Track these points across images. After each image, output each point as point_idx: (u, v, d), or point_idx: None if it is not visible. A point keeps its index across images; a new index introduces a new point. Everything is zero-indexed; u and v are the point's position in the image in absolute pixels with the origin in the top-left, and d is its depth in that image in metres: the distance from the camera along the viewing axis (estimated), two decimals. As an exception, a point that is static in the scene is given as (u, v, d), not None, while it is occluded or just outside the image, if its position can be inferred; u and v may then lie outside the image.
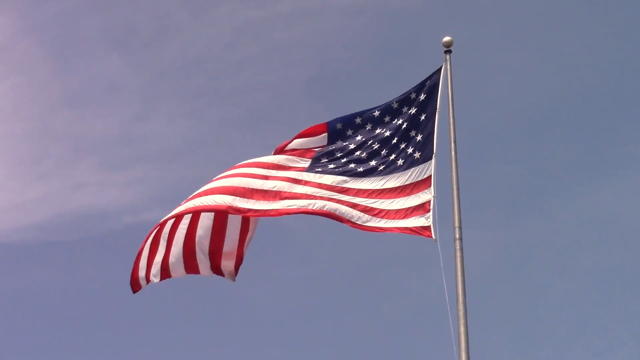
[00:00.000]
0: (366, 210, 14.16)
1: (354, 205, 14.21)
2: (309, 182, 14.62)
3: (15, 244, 33.14)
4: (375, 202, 14.26)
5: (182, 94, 36.40)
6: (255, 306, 30.93)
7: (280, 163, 15.03)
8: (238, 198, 14.36)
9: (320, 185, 14.53)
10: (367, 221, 14.10)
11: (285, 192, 14.47)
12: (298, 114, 34.35)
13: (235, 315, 31.10)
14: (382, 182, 14.51)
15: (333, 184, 14.54)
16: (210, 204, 14.41)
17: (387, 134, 15.00)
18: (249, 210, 14.30)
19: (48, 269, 32.97)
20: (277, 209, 14.27)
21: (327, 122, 15.34)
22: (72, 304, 32.26)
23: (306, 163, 15.05)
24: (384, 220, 14.03)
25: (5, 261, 33.01)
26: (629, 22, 34.64)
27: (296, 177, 14.72)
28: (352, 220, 14.06)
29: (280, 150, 15.32)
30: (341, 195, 14.39)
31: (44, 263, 33.18)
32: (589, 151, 33.76)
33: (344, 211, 14.13)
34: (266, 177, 14.69)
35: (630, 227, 31.12)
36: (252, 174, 14.73)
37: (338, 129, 15.28)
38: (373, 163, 14.80)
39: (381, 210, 14.15)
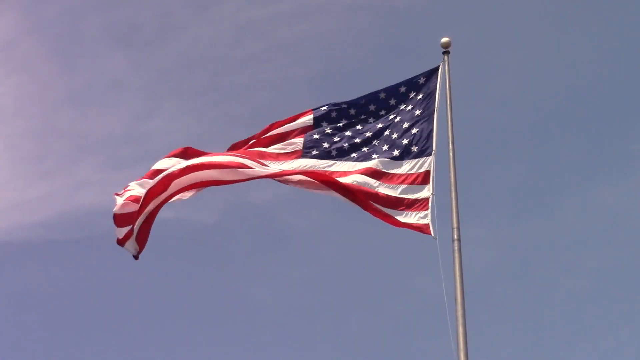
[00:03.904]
0: (365, 191, 14.22)
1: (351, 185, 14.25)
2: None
3: (19, 242, 33.19)
4: (375, 183, 14.30)
5: (186, 92, 36.46)
6: (258, 304, 31.00)
7: (270, 152, 14.96)
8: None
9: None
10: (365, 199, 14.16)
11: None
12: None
13: (238, 313, 31.18)
14: (379, 164, 14.51)
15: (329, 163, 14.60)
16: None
17: (380, 125, 15.03)
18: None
19: (51, 267, 33.05)
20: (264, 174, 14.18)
21: (312, 109, 15.38)
22: (76, 303, 32.33)
23: (298, 146, 15.04)
24: (385, 210, 14.06)
25: (9, 259, 33.09)
26: (631, 20, 34.63)
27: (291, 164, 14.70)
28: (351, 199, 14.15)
29: (260, 137, 15.25)
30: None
31: (47, 261, 33.25)
32: (592, 149, 33.78)
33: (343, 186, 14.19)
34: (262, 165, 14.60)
35: (633, 225, 31.11)
36: (241, 163, 14.45)
37: (324, 112, 15.27)
38: (365, 149, 14.83)
39: (381, 196, 14.19)
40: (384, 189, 14.24)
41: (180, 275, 32.10)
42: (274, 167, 14.49)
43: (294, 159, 14.84)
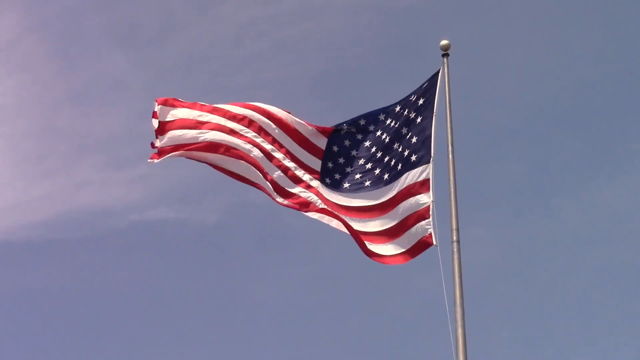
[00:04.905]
0: (370, 235, 14.32)
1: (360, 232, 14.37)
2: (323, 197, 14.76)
3: (20, 241, 33.26)
4: (376, 221, 14.40)
5: (187, 91, 36.29)
6: (258, 304, 31.05)
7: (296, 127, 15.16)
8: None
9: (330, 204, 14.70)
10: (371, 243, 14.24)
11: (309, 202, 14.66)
12: (303, 112, 34.30)
13: (238, 313, 31.22)
14: (383, 194, 14.59)
15: (341, 203, 14.74)
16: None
17: (387, 139, 15.07)
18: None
19: (53, 266, 33.10)
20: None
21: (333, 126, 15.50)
22: (77, 302, 32.40)
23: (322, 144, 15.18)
24: (384, 247, 14.13)
25: (10, 259, 33.15)
26: (631, 20, 34.64)
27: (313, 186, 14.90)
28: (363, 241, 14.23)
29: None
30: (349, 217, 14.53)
31: (48, 261, 33.32)
32: (592, 149, 33.81)
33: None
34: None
35: (634, 224, 31.15)
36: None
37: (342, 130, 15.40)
38: (377, 172, 14.88)
39: (380, 233, 14.30)
40: (383, 222, 14.37)
41: (180, 275, 32.19)
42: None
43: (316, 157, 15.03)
